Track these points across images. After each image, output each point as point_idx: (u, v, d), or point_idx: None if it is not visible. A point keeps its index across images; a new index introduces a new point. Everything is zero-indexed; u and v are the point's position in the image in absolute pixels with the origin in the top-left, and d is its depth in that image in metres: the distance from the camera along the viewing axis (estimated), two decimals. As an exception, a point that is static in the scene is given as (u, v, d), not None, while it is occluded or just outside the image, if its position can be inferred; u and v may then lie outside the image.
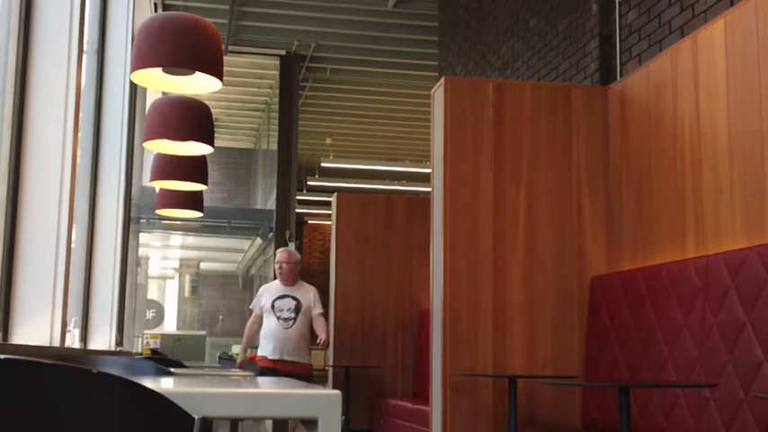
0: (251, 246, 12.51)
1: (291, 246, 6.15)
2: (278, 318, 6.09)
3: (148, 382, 1.19)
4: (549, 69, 5.72)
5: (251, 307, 6.38)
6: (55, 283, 3.22)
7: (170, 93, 3.42)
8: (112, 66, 5.69)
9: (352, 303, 7.19)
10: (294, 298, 6.17)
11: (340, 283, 7.19)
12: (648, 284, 3.86)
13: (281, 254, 6.37)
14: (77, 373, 1.08)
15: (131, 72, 2.75)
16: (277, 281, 6.32)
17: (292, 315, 6.10)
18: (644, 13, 4.58)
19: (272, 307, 6.12)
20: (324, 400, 1.65)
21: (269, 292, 6.30)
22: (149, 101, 7.07)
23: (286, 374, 5.68)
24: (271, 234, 10.33)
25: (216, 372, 4.25)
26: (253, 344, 6.46)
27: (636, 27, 4.67)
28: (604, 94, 4.60)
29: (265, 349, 6.13)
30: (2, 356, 1.04)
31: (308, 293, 6.24)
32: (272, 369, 5.98)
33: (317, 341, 6.10)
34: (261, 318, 6.25)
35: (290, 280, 6.22)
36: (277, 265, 6.27)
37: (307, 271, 12.46)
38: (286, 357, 6.03)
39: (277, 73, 10.55)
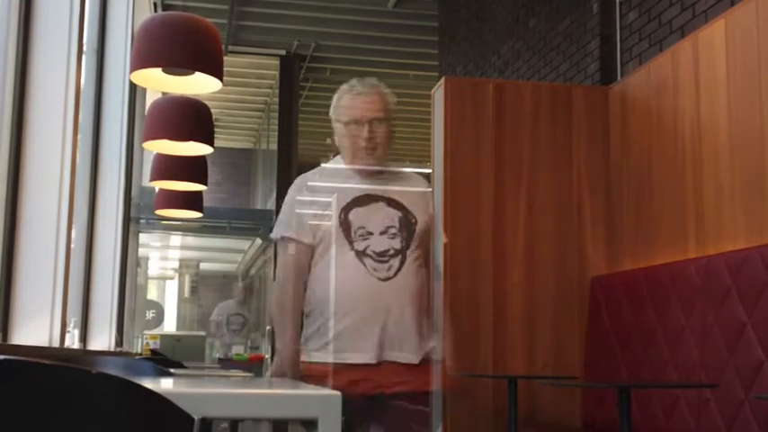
0: (251, 246, 12.50)
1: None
2: (359, 252, 2.69)
3: (148, 383, 1.18)
4: (549, 69, 5.71)
5: (275, 236, 2.89)
6: (55, 284, 3.22)
7: (170, 93, 3.41)
8: (112, 66, 5.70)
9: (352, 303, 7.17)
10: (395, 203, 2.80)
11: (340, 284, 7.17)
12: (649, 285, 3.86)
13: (359, 95, 2.91)
14: (77, 373, 1.08)
15: (131, 72, 2.75)
16: (339, 160, 2.92)
17: (396, 244, 2.74)
18: (644, 13, 4.58)
19: (345, 225, 2.72)
20: (324, 401, 1.65)
21: (328, 189, 2.83)
22: (149, 101, 7.07)
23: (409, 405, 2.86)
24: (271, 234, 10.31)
25: (216, 372, 4.25)
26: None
27: (636, 27, 4.67)
28: (605, 94, 4.60)
29: (329, 339, 2.74)
30: (1, 357, 1.03)
31: (421, 192, 2.94)
32: (365, 396, 2.79)
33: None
34: (309, 258, 2.76)
35: (383, 157, 2.85)
36: (354, 127, 2.83)
37: (307, 271, 12.37)
38: (391, 354, 2.82)
39: (277, 73, 10.54)
